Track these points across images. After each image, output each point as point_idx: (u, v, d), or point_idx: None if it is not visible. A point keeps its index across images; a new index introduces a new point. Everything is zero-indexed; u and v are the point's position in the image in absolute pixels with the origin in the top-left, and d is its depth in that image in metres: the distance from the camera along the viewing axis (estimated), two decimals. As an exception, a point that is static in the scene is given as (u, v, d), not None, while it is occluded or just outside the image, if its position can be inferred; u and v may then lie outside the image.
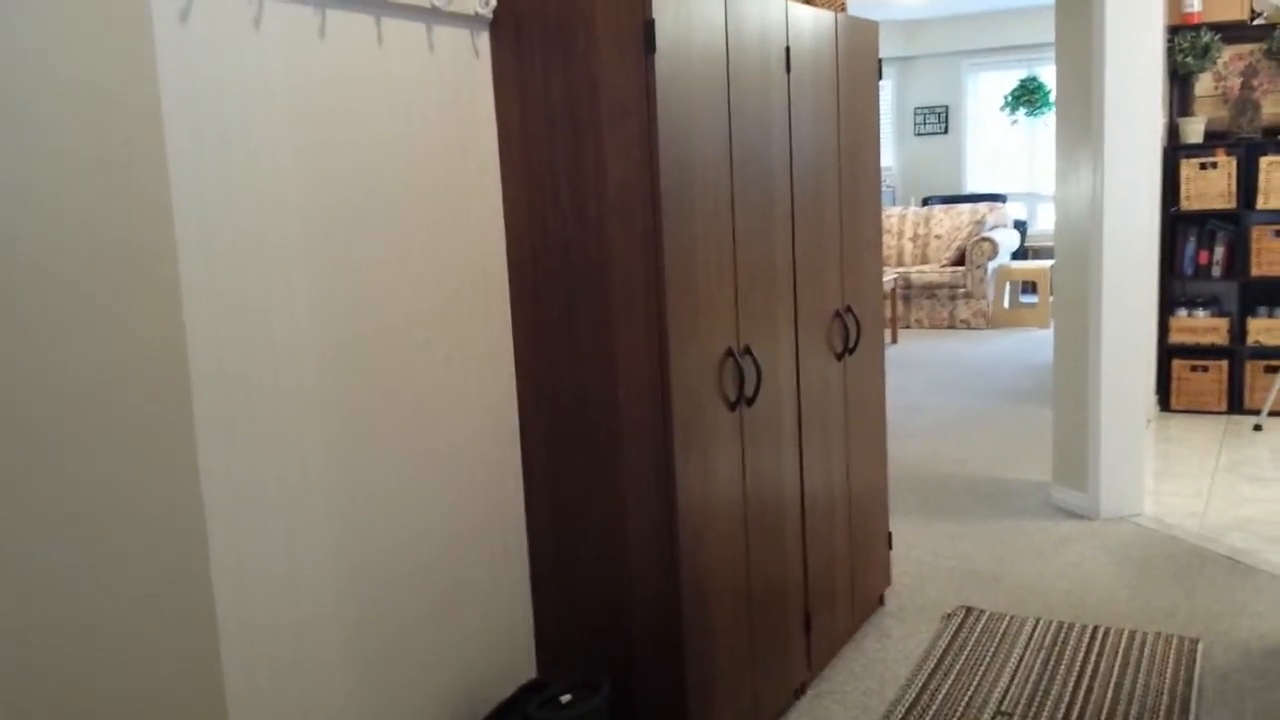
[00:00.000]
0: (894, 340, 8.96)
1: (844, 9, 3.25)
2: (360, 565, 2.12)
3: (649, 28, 2.22)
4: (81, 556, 1.69)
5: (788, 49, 2.79)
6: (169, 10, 1.73)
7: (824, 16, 3.00)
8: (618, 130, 2.30)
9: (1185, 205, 5.85)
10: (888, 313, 9.07)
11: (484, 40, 2.40)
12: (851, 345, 3.26)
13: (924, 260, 9.98)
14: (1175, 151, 5.84)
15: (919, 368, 7.77)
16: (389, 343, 2.18)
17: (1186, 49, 5.70)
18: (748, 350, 2.65)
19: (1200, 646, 3.25)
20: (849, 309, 3.25)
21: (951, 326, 9.50)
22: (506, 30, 2.40)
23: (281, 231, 1.94)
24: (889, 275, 9.15)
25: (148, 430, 1.74)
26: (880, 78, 3.41)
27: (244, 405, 1.86)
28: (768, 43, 2.70)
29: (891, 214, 10.29)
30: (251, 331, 1.88)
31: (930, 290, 9.54)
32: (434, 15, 2.26)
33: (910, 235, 10.11)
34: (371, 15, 2.11)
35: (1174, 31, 5.70)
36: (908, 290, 9.59)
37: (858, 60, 3.23)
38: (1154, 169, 4.62)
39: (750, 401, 2.67)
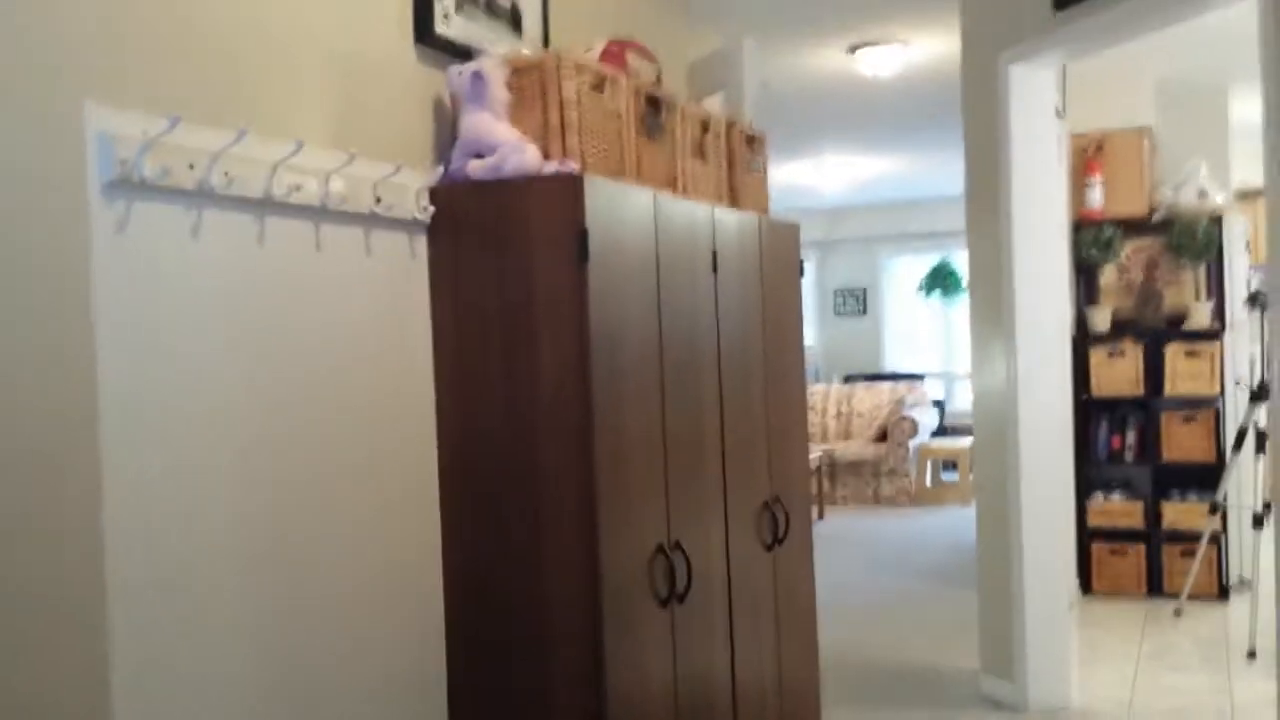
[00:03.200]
0: (820, 517, 9.01)
1: (767, 211, 3.39)
2: (276, 781, 2.03)
3: (583, 238, 2.29)
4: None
5: (714, 252, 2.89)
6: (107, 220, 1.75)
7: (748, 219, 3.13)
8: (552, 333, 2.34)
9: (1096, 392, 6.05)
10: (814, 489, 9.14)
11: (421, 243, 2.46)
12: (781, 536, 3.27)
13: (848, 436, 10.13)
14: (1084, 340, 6.07)
15: (846, 546, 7.80)
16: (320, 547, 2.14)
17: (1090, 243, 6.00)
18: (678, 545, 2.65)
19: (1135, 846, 3.21)
20: (777, 499, 3.27)
21: (877, 503, 9.58)
22: (444, 234, 2.46)
23: (212, 442, 1.92)
24: (814, 452, 9.27)
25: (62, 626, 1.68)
26: (801, 275, 3.54)
27: (164, 600, 1.81)
28: (696, 246, 2.79)
29: (815, 391, 10.49)
30: (175, 552, 1.84)
31: (855, 467, 9.66)
32: (373, 220, 2.31)
33: (834, 413, 10.29)
34: (311, 221, 2.16)
35: (1078, 226, 6.01)
36: (833, 467, 9.70)
37: (780, 259, 3.35)
38: (1064, 354, 4.84)
39: (681, 598, 2.65)
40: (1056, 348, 4.45)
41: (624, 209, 2.45)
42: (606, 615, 2.34)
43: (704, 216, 2.85)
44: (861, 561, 7.27)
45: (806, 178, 9.90)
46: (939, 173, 9.87)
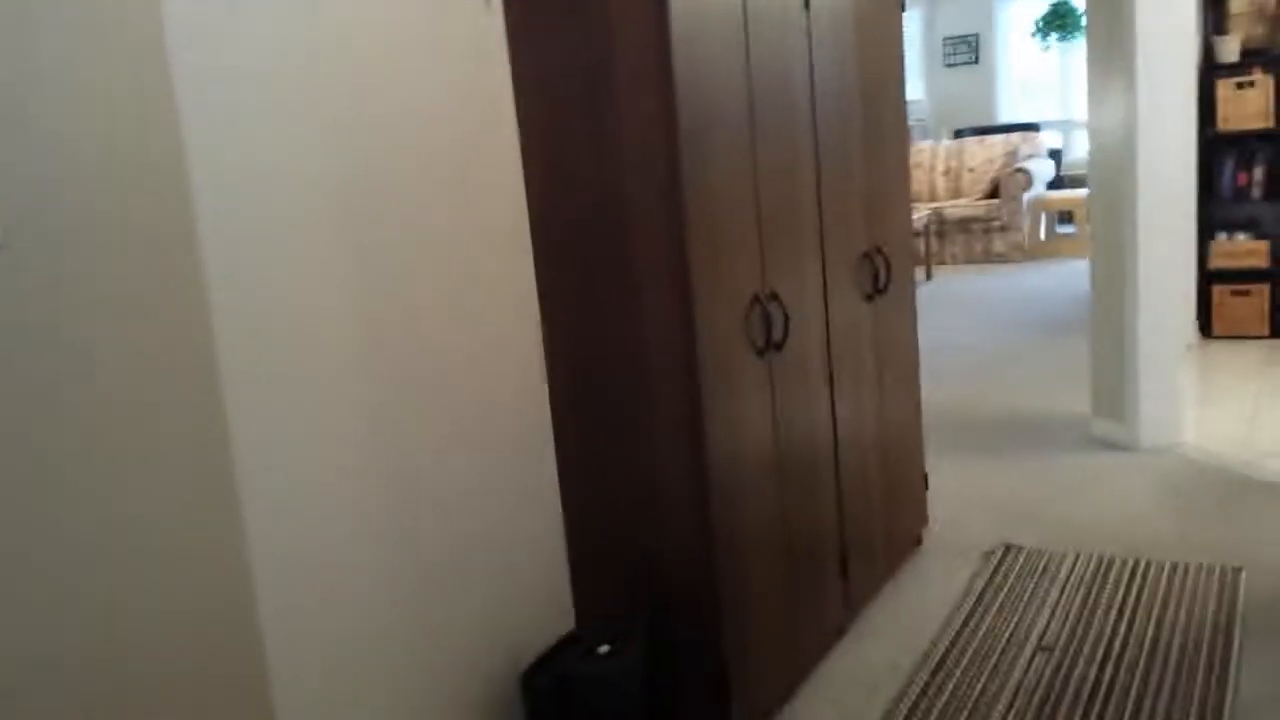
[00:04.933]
0: (929, 277, 8.88)
1: (862, -57, 3.18)
2: (399, 526, 2.14)
3: (659, -26, 2.18)
4: (119, 548, 1.72)
5: (804, -13, 2.74)
6: (174, -18, 1.72)
7: (841, -48, 2.94)
8: (634, 80, 2.27)
9: (1222, 126, 5.71)
10: (921, 249, 8.98)
11: (494, -6, 2.38)
12: (882, 286, 3.23)
13: (957, 194, 9.84)
14: (1211, 71, 5.69)
15: (955, 304, 7.70)
16: (416, 304, 2.18)
17: (1220, -35, 5.54)
18: (774, 295, 2.63)
19: (1243, 575, 3.23)
20: (878, 249, 3.21)
21: (988, 261, 9.39)
22: (516, -17, 2.37)
23: (304, 212, 1.93)
24: (922, 211, 9.04)
25: (178, 429, 1.76)
26: (903, 9, 3.34)
27: (274, 391, 1.88)
28: (783, -18, 2.65)
29: (923, 148, 10.14)
30: (278, 319, 1.89)
31: (964, 225, 9.42)
32: (442, -28, 2.24)
33: (942, 170, 9.97)
34: (378, -25, 2.09)
35: (1207, -53, 5.54)
36: (941, 226, 9.48)
37: (878, -5, 3.16)
38: (1189, 90, 4.49)
39: (779, 347, 2.66)
40: (1181, 82, 4.18)
41: (703, -56, 2.32)
42: (703, 364, 2.36)
43: (791, -50, 2.68)
44: (971, 318, 7.19)
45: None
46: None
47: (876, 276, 3.20)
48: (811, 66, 2.79)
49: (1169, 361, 4.31)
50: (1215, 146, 5.79)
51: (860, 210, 3.10)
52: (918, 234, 9.17)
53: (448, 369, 2.28)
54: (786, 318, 2.67)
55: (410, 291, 2.18)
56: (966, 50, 11.74)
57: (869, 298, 3.17)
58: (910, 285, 3.50)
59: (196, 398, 1.78)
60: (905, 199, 3.45)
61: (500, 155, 2.42)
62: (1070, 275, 8.24)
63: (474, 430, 2.35)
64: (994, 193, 9.57)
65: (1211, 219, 5.88)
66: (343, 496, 2.03)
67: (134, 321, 1.71)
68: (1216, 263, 5.86)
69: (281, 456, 1.90)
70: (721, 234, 2.42)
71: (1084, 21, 4.28)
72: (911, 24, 11.66)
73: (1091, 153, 4.38)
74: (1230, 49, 5.68)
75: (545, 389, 2.57)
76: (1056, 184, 10.35)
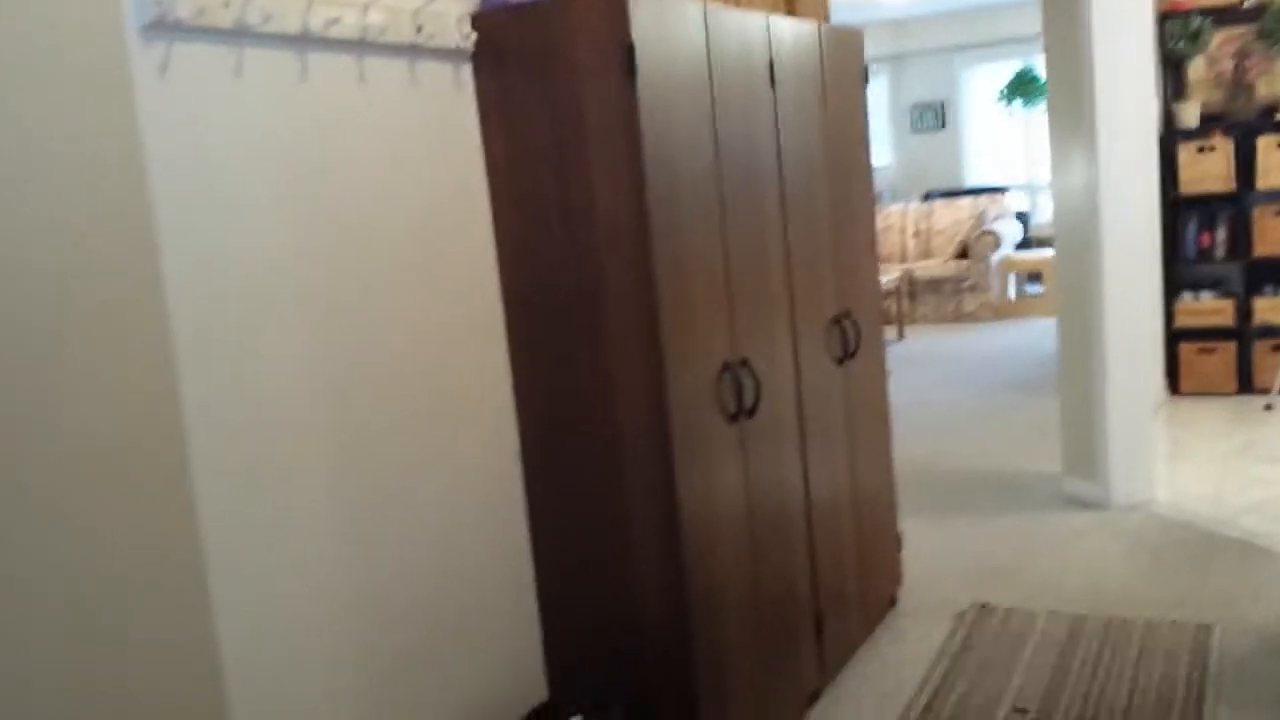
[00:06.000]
0: (900, 336, 8.97)
1: (827, 19, 3.27)
2: (365, 593, 2.14)
3: (629, 53, 2.24)
4: (81, 588, 1.72)
5: (771, 63, 2.81)
6: (149, 63, 1.76)
7: (806, 28, 3.02)
8: (604, 156, 2.32)
9: (1185, 189, 5.84)
10: (893, 309, 9.08)
11: (466, 73, 2.43)
12: (851, 350, 3.28)
13: (927, 255, 9.98)
14: (1172, 136, 5.83)
15: (927, 363, 7.78)
16: (387, 380, 2.21)
17: (1178, 34, 5.70)
18: (745, 362, 2.67)
19: (1216, 632, 3.25)
20: (847, 314, 3.26)
21: (958, 320, 9.49)
22: (488, 61, 2.43)
23: (272, 281, 1.96)
24: (893, 272, 9.16)
25: (142, 474, 1.77)
26: (866, 83, 3.43)
27: (240, 444, 1.89)
28: (751, 59, 2.72)
29: (892, 211, 10.29)
30: (246, 383, 1.91)
31: (935, 285, 9.54)
32: (415, 51, 2.29)
33: (912, 231, 10.11)
34: (353, 55, 2.14)
35: (1164, 18, 5.70)
36: (912, 286, 9.59)
37: (843, 68, 3.25)
38: (1150, 154, 4.64)
39: (750, 413, 2.69)
40: (1141, 145, 4.29)
41: (671, 22, 2.39)
42: (675, 431, 2.38)
43: (758, 26, 2.76)
44: (942, 377, 7.26)
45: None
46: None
47: (846, 340, 3.25)
48: (779, 139, 2.85)
49: (1138, 419, 4.36)
50: (1178, 209, 5.92)
51: (829, 276, 3.16)
52: (889, 294, 9.28)
53: (419, 445, 2.29)
54: (758, 384, 2.70)
55: (380, 373, 2.20)
56: (933, 116, 11.96)
57: (840, 361, 3.22)
58: (880, 348, 3.55)
59: (163, 489, 1.79)
60: (873, 265, 3.51)
61: (473, 233, 2.45)
62: (1039, 334, 8.35)
63: (445, 498, 2.36)
64: (963, 254, 9.71)
65: (1177, 279, 5.99)
66: (311, 573, 2.03)
67: (104, 406, 1.73)
68: (1183, 321, 5.96)
69: (249, 538, 1.90)
70: (692, 304, 2.46)
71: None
72: (879, 91, 11.89)
73: (1056, 215, 4.47)
74: (1190, 114, 5.83)
75: (518, 457, 2.58)
76: (1024, 245, 10.51)
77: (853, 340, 3.28)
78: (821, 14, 3.25)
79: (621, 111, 2.28)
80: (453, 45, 2.36)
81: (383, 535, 2.19)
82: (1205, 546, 3.93)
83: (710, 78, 2.54)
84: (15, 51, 1.62)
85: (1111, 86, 4.15)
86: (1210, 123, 5.84)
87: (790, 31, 2.93)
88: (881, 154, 12.03)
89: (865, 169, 3.45)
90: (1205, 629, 3.28)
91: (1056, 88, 4.36)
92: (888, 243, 10.13)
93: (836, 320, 3.20)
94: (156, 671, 1.79)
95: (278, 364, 1.97)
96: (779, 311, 2.86)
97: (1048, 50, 4.37)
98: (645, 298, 2.34)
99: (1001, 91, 11.15)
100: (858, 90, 3.38)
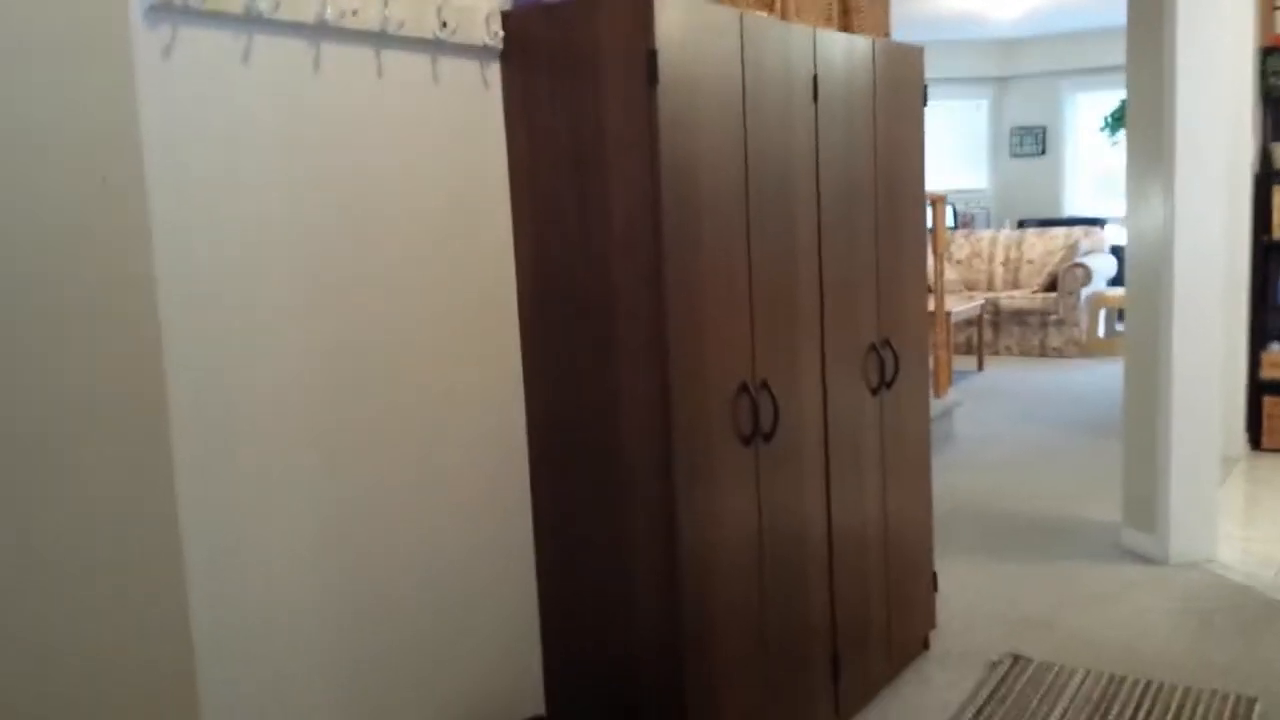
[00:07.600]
0: (980, 368, 8.72)
1: (887, 34, 3.16)
2: (362, 597, 2.11)
3: (651, 59, 2.18)
4: (60, 597, 1.71)
5: (815, 77, 2.72)
6: (152, 46, 1.75)
7: (859, 43, 2.92)
8: (621, 163, 2.26)
9: (1278, 234, 5.57)
10: (974, 339, 8.84)
11: (494, 71, 2.39)
12: (889, 379, 3.16)
13: (1015, 285, 9.70)
14: (1268, 178, 5.56)
15: (1002, 397, 7.55)
16: (395, 383, 2.17)
17: (1278, 70, 5.43)
18: (764, 385, 2.58)
19: (1257, 707, 3.06)
20: (886, 342, 3.15)
21: (1043, 354, 9.21)
22: (516, 60, 2.39)
23: (270, 275, 1.94)
24: (975, 300, 8.92)
25: (128, 466, 1.76)
26: (925, 104, 3.31)
27: (232, 439, 1.87)
28: (792, 72, 2.63)
29: (982, 237, 10.03)
30: (241, 375, 1.89)
31: (1020, 316, 9.27)
32: (438, 47, 2.26)
33: (1001, 259, 9.84)
34: (371, 48, 2.12)
35: (1266, 53, 5.44)
36: (997, 316, 9.34)
37: (899, 86, 3.14)
38: (1240, 195, 4.40)
39: (767, 437, 2.60)
40: (1226, 186, 4.08)
41: (702, 30, 2.32)
42: (677, 449, 2.31)
43: (803, 38, 2.67)
44: (1016, 412, 7.03)
45: (973, 3, 9.25)
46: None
47: (884, 369, 3.13)
48: (818, 157, 2.76)
49: (1203, 473, 4.15)
50: (1270, 255, 5.64)
51: (869, 302, 3.05)
52: (971, 323, 9.04)
53: (430, 449, 2.26)
54: (776, 407, 2.61)
55: (388, 379, 2.17)
56: (1034, 141, 11.66)
57: (875, 390, 3.11)
58: (924, 378, 3.42)
59: (151, 492, 1.78)
60: (921, 293, 3.39)
61: (492, 237, 2.41)
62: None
63: (454, 513, 2.32)
64: (1052, 286, 9.41)
65: (1265, 328, 5.70)
66: (308, 578, 2.00)
67: (101, 425, 1.72)
68: (1269, 373, 5.67)
69: (238, 545, 1.88)
70: (706, 320, 2.39)
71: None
72: (979, 113, 11.62)
73: (1129, 254, 4.28)
74: (1289, 155, 5.55)
75: (526, 469, 2.53)
76: (1117, 281, 10.16)
77: (891, 369, 3.17)
78: (881, 29, 3.14)
79: (641, 118, 2.22)
80: (479, 42, 2.32)
81: (383, 541, 2.15)
82: (1260, 613, 3.71)
83: (744, 89, 2.46)
84: (17, 20, 1.62)
85: (1194, 122, 3.96)
86: (1313, 165, 5.56)
87: (840, 46, 2.84)
88: (977, 177, 11.76)
89: (919, 193, 3.33)
90: (1248, 702, 3.09)
91: (1136, 121, 4.18)
92: (975, 270, 9.88)
93: (874, 347, 3.09)
94: (139, 698, 1.78)
95: (277, 363, 1.94)
96: (808, 335, 2.77)
97: (1130, 81, 4.19)
98: (654, 311, 2.27)
99: (1105, 120, 10.81)
100: (915, 110, 3.27)
